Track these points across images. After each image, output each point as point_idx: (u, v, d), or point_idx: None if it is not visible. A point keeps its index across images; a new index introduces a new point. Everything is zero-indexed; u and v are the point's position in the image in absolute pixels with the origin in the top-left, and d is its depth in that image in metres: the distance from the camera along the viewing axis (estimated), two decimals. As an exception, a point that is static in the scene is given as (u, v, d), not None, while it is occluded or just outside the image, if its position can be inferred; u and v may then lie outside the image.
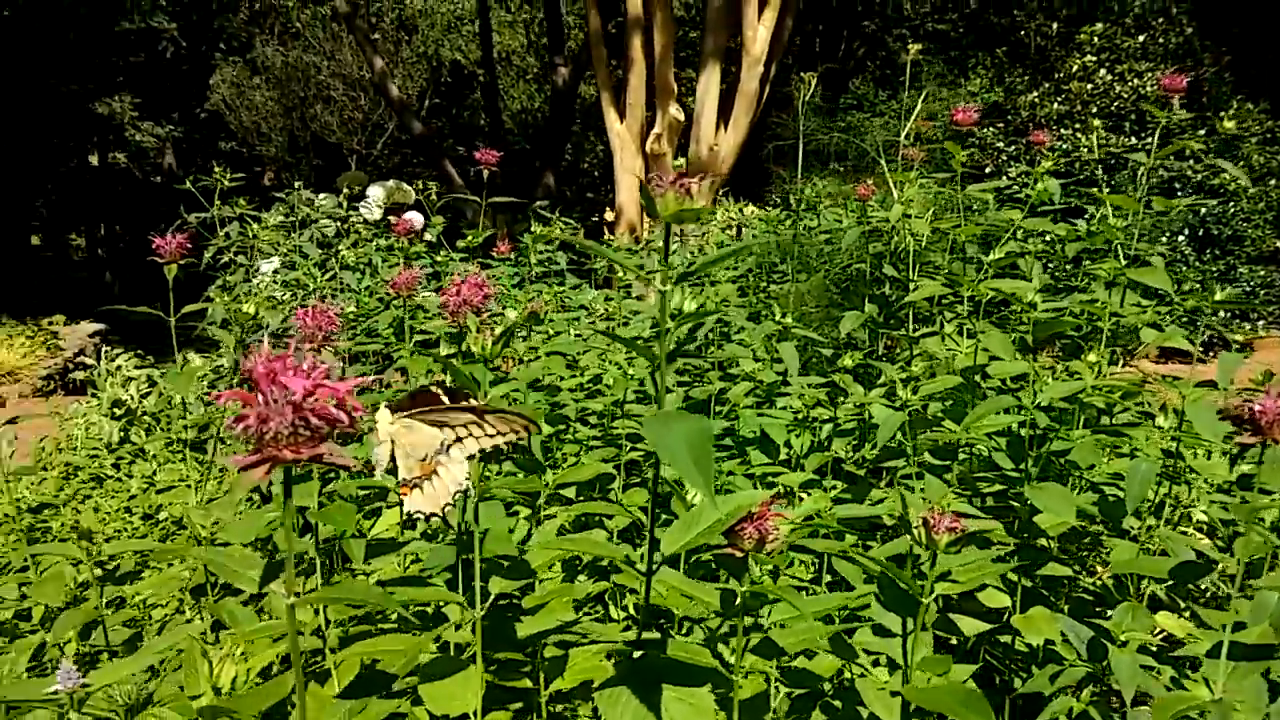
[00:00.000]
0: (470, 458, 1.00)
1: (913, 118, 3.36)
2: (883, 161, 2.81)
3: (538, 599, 1.44)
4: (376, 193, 7.70)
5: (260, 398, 0.61)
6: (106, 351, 5.77)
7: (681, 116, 7.71)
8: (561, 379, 2.80)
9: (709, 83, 7.55)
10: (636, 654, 0.97)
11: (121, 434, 4.31)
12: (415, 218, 4.92)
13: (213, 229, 4.25)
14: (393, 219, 4.65)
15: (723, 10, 7.54)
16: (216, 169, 4.32)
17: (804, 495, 2.23)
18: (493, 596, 1.17)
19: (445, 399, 1.00)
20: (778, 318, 2.82)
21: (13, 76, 14.03)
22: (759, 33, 7.33)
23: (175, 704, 1.03)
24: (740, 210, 6.25)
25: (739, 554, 0.90)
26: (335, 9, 10.53)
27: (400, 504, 1.03)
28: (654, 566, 0.95)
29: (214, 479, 3.29)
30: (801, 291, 3.27)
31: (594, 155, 18.13)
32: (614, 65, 10.27)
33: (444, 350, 1.28)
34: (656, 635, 1.22)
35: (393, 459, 0.98)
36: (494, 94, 12.64)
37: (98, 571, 1.61)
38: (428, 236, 4.22)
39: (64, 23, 13.85)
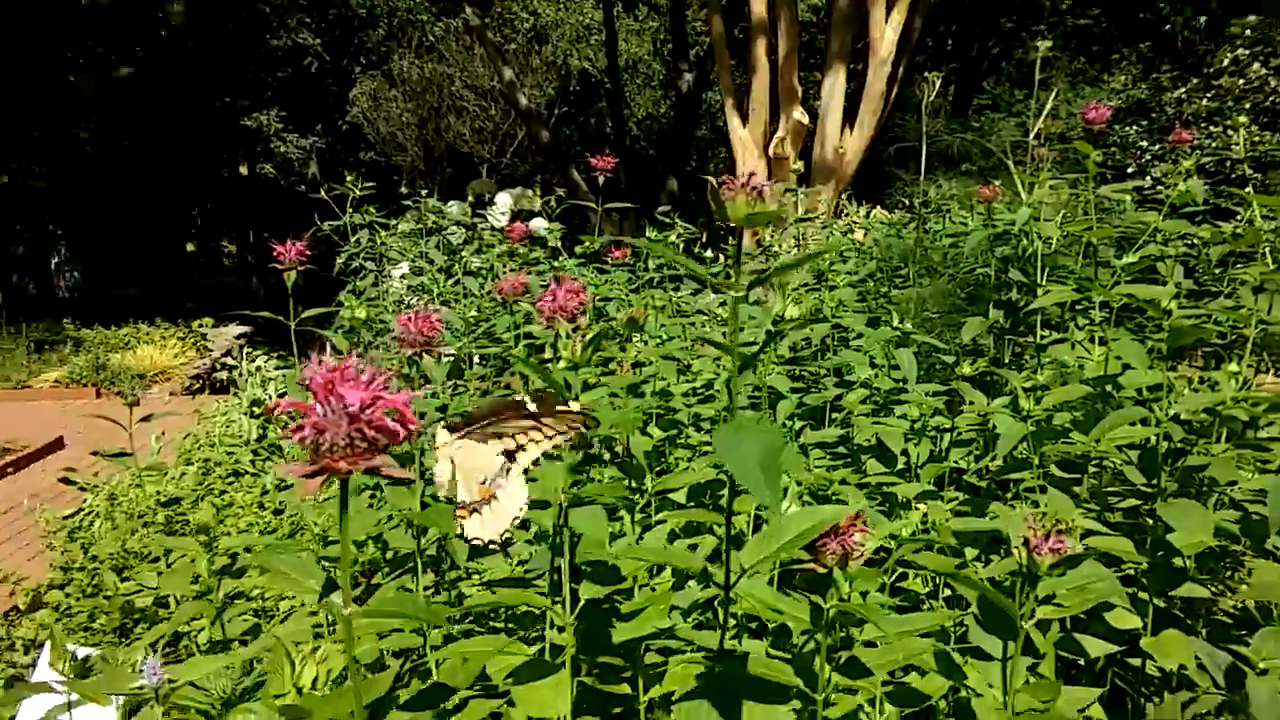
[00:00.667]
0: (535, 462, 0.99)
1: (1041, 116, 3.22)
2: (1010, 162, 2.70)
3: (636, 604, 1.42)
4: (504, 200, 7.86)
5: (318, 408, 0.62)
6: (247, 353, 6.03)
7: (805, 120, 7.62)
8: (673, 384, 2.78)
9: (834, 85, 7.43)
10: (718, 667, 0.94)
11: (260, 431, 4.51)
12: (539, 224, 4.99)
13: (347, 236, 4.42)
14: (499, 227, 4.73)
15: (849, 11, 7.41)
16: (349, 177, 4.48)
17: (919, 506, 2.15)
18: (582, 601, 1.16)
19: (533, 406, 0.99)
20: (895, 323, 2.74)
21: (171, 93, 14.90)
22: (886, 33, 7.17)
23: (265, 702, 1.06)
24: (866, 214, 6.12)
25: (821, 569, 0.87)
26: (467, 22, 10.81)
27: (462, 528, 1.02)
28: (732, 579, 0.93)
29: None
30: (923, 297, 3.17)
31: (719, 160, 18.10)
32: (737, 70, 10.24)
33: (548, 355, 1.28)
34: (742, 647, 1.19)
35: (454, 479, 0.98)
36: (618, 101, 12.76)
37: (216, 564, 1.67)
38: (551, 242, 4.27)
39: (216, 40, 14.64)
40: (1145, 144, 8.41)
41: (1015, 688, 0.97)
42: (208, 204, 19.92)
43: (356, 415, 0.62)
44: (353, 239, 4.37)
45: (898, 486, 2.33)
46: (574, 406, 0.99)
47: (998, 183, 3.14)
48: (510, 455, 1.01)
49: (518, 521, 1.01)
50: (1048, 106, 3.33)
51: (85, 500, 3.47)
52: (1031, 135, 3.13)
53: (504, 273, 4.11)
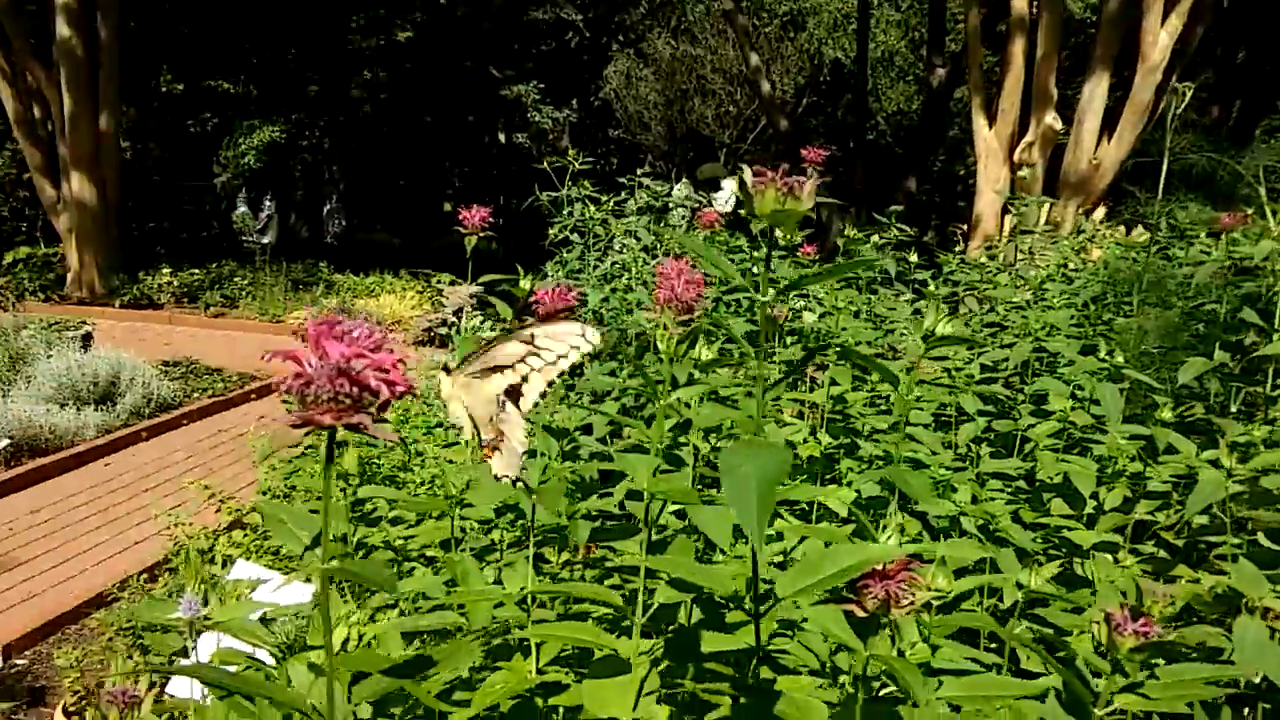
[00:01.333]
0: (543, 395, 0.97)
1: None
2: (1261, 189, 2.40)
3: (739, 618, 1.37)
4: (731, 185, 7.83)
5: (307, 360, 0.62)
6: (467, 312, 6.32)
7: (1058, 126, 7.12)
8: (848, 390, 2.67)
9: (1094, 91, 6.89)
10: (742, 699, 0.88)
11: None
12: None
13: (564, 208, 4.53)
14: (722, 211, 4.69)
15: (1118, 14, 6.85)
16: (571, 151, 4.59)
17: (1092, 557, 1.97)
18: (656, 604, 1.12)
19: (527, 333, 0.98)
20: (1103, 354, 2.52)
21: (441, 59, 15.81)
22: (1160, 39, 6.57)
23: (344, 658, 1.09)
24: (1111, 232, 5.67)
25: (861, 613, 0.79)
26: (720, 4, 10.83)
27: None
28: (760, 609, 0.86)
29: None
30: (1145, 329, 2.89)
31: (968, 162, 17.30)
32: (991, 68, 9.70)
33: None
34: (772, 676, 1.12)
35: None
36: (863, 93, 12.40)
37: (355, 513, 1.74)
38: (754, 230, 4.20)
39: (484, 10, 15.39)
40: None
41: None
42: (466, 168, 21.01)
43: (344, 370, 0.62)
44: (564, 212, 4.47)
45: (1077, 533, 2.15)
46: (571, 328, 0.97)
47: (1251, 210, 2.81)
48: (514, 394, 0.99)
49: (524, 455, 1.00)
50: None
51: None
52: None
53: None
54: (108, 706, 0.95)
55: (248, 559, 2.99)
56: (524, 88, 17.38)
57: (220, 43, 14.01)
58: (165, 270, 10.49)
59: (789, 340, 3.08)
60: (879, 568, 0.79)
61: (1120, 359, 2.49)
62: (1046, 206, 5.05)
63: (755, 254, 3.55)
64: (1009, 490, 2.50)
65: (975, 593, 2.05)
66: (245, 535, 3.07)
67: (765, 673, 1.45)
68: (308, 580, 2.01)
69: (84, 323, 7.07)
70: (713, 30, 14.39)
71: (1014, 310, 3.14)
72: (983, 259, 3.90)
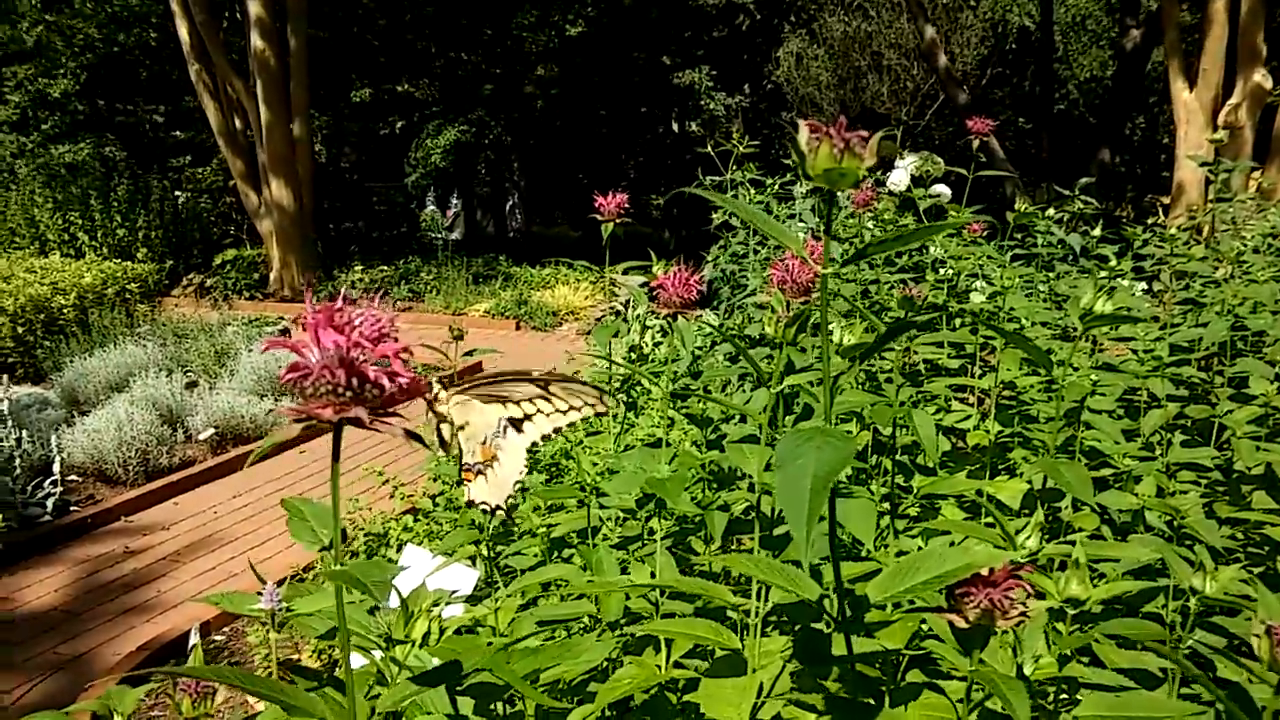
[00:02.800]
0: (545, 438, 0.93)
1: None
2: None
3: (881, 616, 1.30)
4: (907, 163, 7.57)
5: (308, 350, 0.60)
6: (634, 301, 6.36)
7: (1269, 84, 6.48)
8: (1019, 376, 2.52)
9: (1313, 42, 6.24)
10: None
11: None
12: (941, 190, 4.74)
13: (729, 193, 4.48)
14: (897, 192, 4.52)
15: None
16: (735, 134, 4.53)
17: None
18: (770, 604, 1.07)
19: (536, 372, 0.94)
20: (1313, 331, 2.27)
21: (611, 51, 16.00)
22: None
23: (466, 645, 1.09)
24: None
25: (962, 623, 0.71)
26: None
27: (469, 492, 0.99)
28: (848, 616, 0.79)
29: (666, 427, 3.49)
30: (1368, 302, 2.59)
31: (1168, 129, 16.09)
32: (1191, 27, 8.96)
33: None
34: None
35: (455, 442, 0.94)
36: (1048, 60, 11.71)
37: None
38: (922, 208, 4.04)
39: (649, 0, 15.46)
40: None
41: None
42: (640, 158, 21.22)
43: (344, 360, 0.60)
44: (729, 194, 4.41)
45: (1276, 529, 1.94)
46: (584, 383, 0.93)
47: None
48: (517, 424, 0.96)
49: (519, 487, 0.96)
50: None
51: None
52: None
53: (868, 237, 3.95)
54: (180, 695, 0.98)
55: (419, 544, 3.10)
56: (695, 75, 17.37)
57: (403, 48, 14.66)
58: (358, 267, 11.09)
59: (956, 323, 2.93)
60: (984, 573, 0.71)
61: (1334, 336, 2.24)
62: (1256, 173, 4.62)
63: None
64: (1203, 483, 2.29)
65: (1160, 595, 1.89)
66: (417, 521, 3.19)
67: (915, 676, 1.37)
68: (471, 562, 2.06)
69: (281, 319, 7.54)
70: (887, 3, 13.94)
71: (1211, 285, 2.88)
72: (1181, 231, 3.59)
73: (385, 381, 0.61)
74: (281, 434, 0.63)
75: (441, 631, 0.84)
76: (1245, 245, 3.02)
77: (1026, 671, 0.85)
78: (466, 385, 0.99)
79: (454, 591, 1.94)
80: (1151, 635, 1.01)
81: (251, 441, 5.69)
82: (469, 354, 2.10)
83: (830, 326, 1.55)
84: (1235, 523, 2.09)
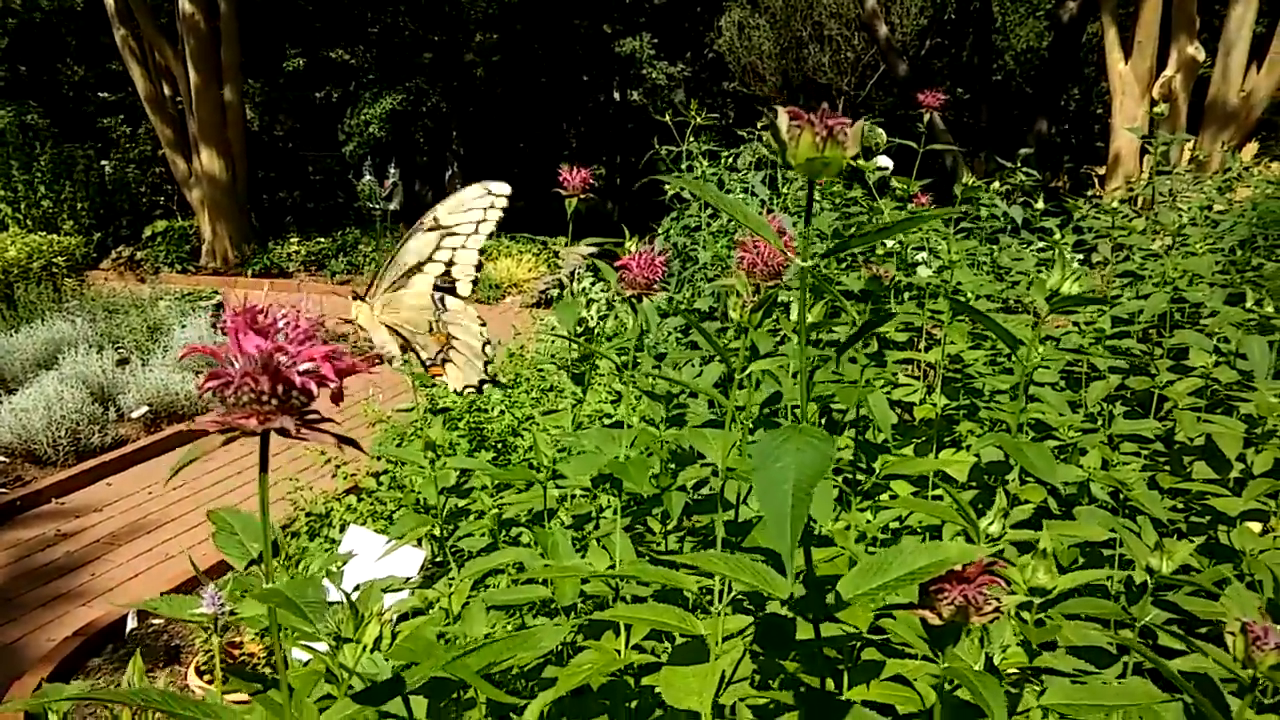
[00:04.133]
0: (478, 266, 0.88)
1: None
2: None
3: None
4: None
5: (230, 357, 0.57)
6: (579, 273, 6.28)
7: (1201, 56, 6.58)
8: (965, 349, 2.53)
9: (1244, 15, 6.33)
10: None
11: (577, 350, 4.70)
12: (884, 162, 4.74)
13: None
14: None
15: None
16: (692, 105, 4.47)
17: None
18: (732, 592, 1.05)
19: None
20: (1250, 304, 2.31)
21: (549, 21, 15.79)
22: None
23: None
24: (1267, 169, 5.25)
25: (935, 620, 0.70)
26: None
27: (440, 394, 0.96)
28: (818, 615, 0.78)
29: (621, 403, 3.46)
30: (1303, 275, 2.65)
31: (1108, 99, 16.33)
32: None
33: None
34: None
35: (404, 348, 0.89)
36: (987, 31, 11.80)
37: (445, 483, 1.72)
38: (870, 180, 4.04)
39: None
40: None
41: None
42: (582, 127, 21.03)
43: (267, 366, 0.56)
44: (682, 167, 4.37)
45: (1221, 500, 1.97)
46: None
47: None
48: (448, 286, 0.91)
49: (491, 349, 0.92)
50: None
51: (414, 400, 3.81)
52: None
53: (820, 213, 3.94)
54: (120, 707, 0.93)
55: (362, 524, 3.04)
56: (637, 43, 17.22)
57: (338, 14, 14.31)
58: (294, 240, 10.84)
59: (905, 296, 2.94)
60: (958, 569, 0.70)
61: (1270, 308, 2.28)
62: (1189, 144, 4.71)
63: (873, 205, 3.41)
64: (1145, 454, 2.33)
65: (1106, 568, 1.92)
66: (360, 501, 3.13)
67: (870, 654, 1.37)
68: (418, 544, 2.01)
69: (215, 293, 7.36)
70: (829, -28, 13.90)
71: (1151, 258, 2.92)
72: (1119, 203, 3.64)
73: (313, 387, 0.57)
74: (201, 449, 0.58)
75: (394, 636, 0.81)
76: (1183, 218, 3.06)
77: (996, 663, 0.84)
78: (373, 287, 0.93)
79: (406, 579, 1.90)
80: (1108, 614, 1.01)
81: (186, 419, 5.55)
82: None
83: (789, 302, 1.53)
84: (1177, 493, 2.12)
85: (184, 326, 6.26)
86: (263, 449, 0.61)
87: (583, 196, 2.10)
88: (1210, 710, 0.62)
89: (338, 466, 3.27)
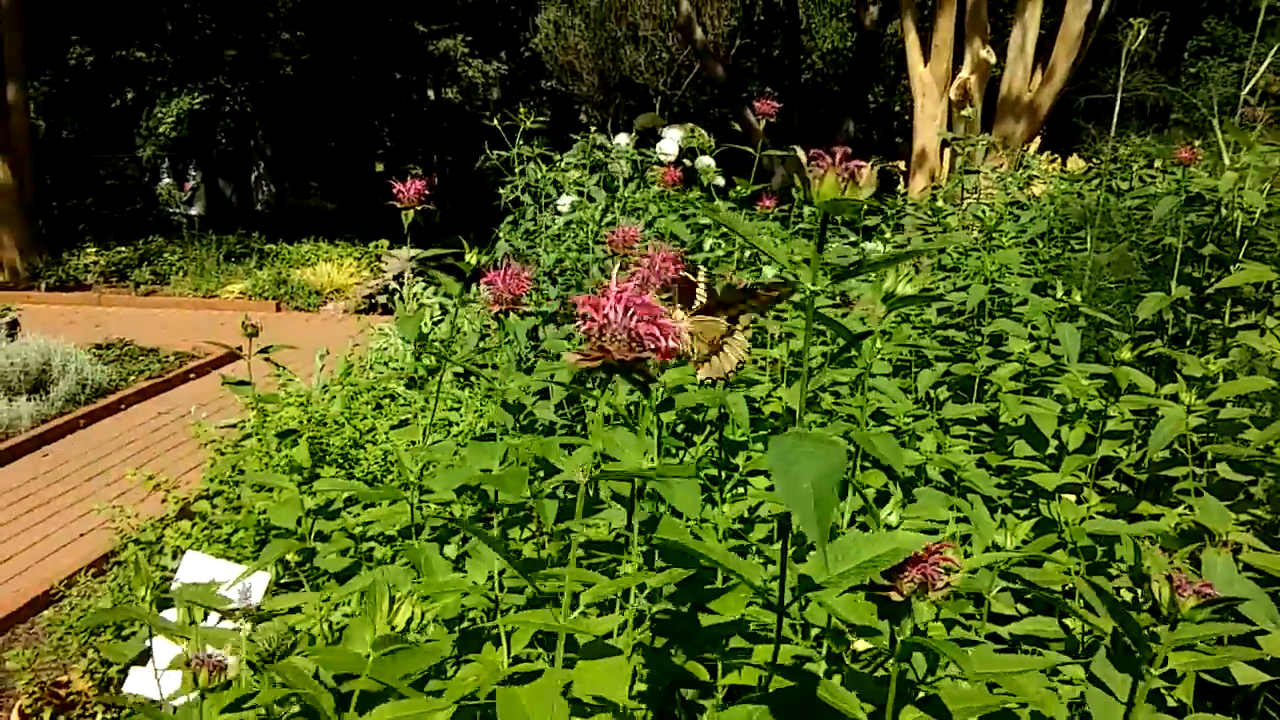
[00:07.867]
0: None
1: (1260, 69, 2.86)
2: (1215, 121, 2.40)
3: (716, 588, 1.34)
4: (673, 135, 7.75)
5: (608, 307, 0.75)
6: (409, 278, 6.16)
7: (993, 60, 7.11)
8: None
9: (1028, 23, 6.89)
10: (778, 683, 0.86)
11: (415, 359, 4.62)
12: (707, 162, 4.86)
13: (512, 168, 4.41)
14: (667, 164, 4.60)
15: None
16: (521, 109, 4.45)
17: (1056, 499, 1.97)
18: (649, 587, 1.09)
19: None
20: (1060, 293, 2.52)
21: (361, 15, 15.38)
22: (1087, -33, 6.58)
23: (315, 655, 1.04)
24: (1052, 165, 5.70)
25: (897, 597, 0.78)
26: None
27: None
28: (785, 600, 0.83)
29: (467, 411, 3.43)
30: (1099, 265, 2.90)
31: (909, 99, 17.29)
32: (924, 2, 9.65)
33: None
34: (815, 662, 1.10)
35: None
36: (795, 33, 12.31)
37: (311, 504, 1.68)
38: (706, 182, 4.14)
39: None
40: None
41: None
42: (397, 127, 20.58)
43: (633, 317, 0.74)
44: (517, 169, 4.35)
45: (1041, 475, 2.15)
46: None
47: (1198, 144, 2.82)
48: (732, 331, 1.04)
49: (741, 364, 1.06)
50: (1269, 58, 2.96)
51: (244, 415, 3.64)
52: (1245, 90, 2.78)
53: (663, 218, 4.02)
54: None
55: (198, 549, 2.90)
56: (451, 42, 17.00)
57: (130, 7, 13.45)
58: (91, 249, 10.15)
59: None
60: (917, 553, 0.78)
61: (1077, 298, 2.50)
62: (986, 142, 5.06)
63: (715, 205, 3.51)
64: (971, 436, 2.51)
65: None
66: (194, 525, 2.98)
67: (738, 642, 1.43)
68: (264, 570, 1.94)
69: (8, 309, 6.81)
70: (642, -26, 14.13)
71: (971, 253, 3.13)
72: (926, 199, 3.88)
73: (660, 337, 0.76)
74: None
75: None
76: (989, 213, 3.30)
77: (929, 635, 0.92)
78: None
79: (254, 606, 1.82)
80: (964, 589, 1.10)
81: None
82: (265, 350, 1.99)
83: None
84: (1003, 470, 2.30)
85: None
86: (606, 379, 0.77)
87: (419, 208, 2.08)
88: (1135, 629, 0.70)
89: (167, 491, 3.11)
